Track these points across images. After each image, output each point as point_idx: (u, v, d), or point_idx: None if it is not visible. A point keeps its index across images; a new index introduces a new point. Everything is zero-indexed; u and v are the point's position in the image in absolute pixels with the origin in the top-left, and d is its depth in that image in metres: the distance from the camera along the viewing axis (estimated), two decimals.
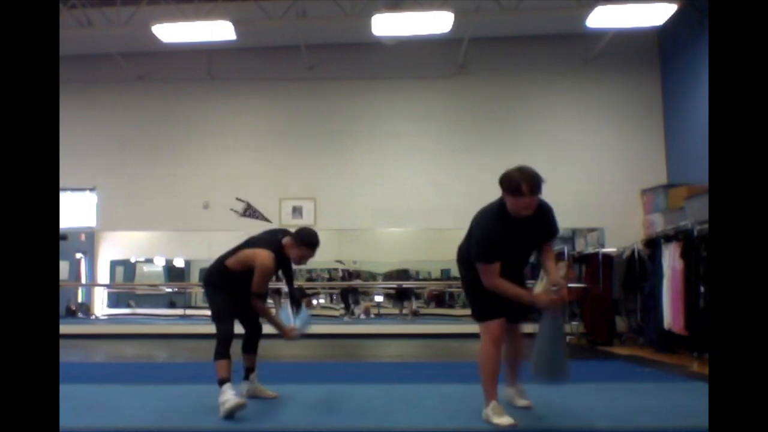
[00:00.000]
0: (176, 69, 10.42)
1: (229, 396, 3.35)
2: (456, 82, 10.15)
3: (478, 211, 3.31)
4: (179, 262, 15.16)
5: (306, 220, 10.00)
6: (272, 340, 3.70)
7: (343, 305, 12.92)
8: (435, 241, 12.82)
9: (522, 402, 3.48)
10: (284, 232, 3.88)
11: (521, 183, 3.00)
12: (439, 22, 7.91)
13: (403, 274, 12.56)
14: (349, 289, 12.87)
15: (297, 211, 9.94)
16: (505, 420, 3.10)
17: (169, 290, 15.20)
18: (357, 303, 12.78)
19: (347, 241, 13.01)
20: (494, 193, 3.48)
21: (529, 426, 3.15)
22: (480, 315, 3.30)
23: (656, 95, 10.01)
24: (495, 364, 3.24)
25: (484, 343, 3.26)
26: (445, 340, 8.75)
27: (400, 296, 12.68)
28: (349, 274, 13.18)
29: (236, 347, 3.67)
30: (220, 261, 3.79)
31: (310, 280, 15.04)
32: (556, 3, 8.45)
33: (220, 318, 3.57)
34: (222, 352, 3.48)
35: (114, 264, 14.91)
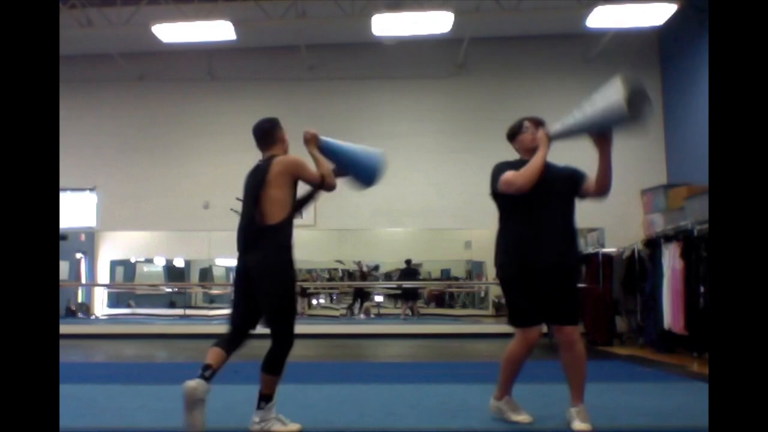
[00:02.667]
0: (176, 69, 10.42)
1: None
2: (456, 82, 10.16)
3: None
4: (179, 262, 15.16)
5: (306, 220, 9.99)
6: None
7: (351, 303, 12.92)
8: (435, 241, 12.82)
9: (581, 426, 3.07)
10: None
11: (522, 120, 3.29)
12: (439, 22, 7.91)
13: (411, 273, 12.52)
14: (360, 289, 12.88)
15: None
16: (523, 417, 3.18)
17: (169, 290, 15.20)
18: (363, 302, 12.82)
19: (347, 241, 13.02)
20: None
21: (530, 426, 3.15)
22: (516, 320, 3.14)
23: (656, 95, 9.99)
24: (518, 365, 3.19)
25: (514, 343, 3.14)
26: (445, 340, 8.74)
27: (406, 296, 12.65)
28: (361, 275, 13.14)
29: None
30: None
31: (310, 280, 15.06)
32: (556, 3, 8.46)
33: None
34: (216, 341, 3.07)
35: (114, 264, 14.92)
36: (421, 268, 13.13)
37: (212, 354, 2.98)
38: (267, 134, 3.36)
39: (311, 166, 3.27)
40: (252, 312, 3.08)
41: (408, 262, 12.46)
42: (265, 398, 3.08)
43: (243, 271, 3.08)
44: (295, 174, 3.17)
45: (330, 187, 3.25)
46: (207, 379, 2.91)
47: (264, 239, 3.03)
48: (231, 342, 3.07)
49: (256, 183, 3.12)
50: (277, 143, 3.35)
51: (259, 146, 3.38)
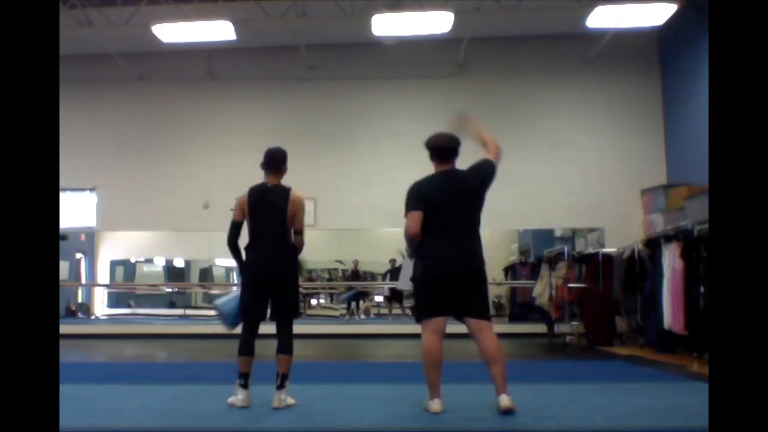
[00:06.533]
0: (176, 69, 10.41)
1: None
2: (456, 82, 10.15)
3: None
4: (179, 262, 15.18)
5: (306, 220, 9.96)
6: (272, 340, 3.70)
7: (348, 306, 12.90)
8: None
9: (504, 403, 3.27)
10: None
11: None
12: (439, 22, 7.90)
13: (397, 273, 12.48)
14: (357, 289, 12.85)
15: None
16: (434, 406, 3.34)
17: (169, 290, 15.21)
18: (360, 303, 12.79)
19: (347, 241, 13.00)
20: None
21: (530, 426, 3.15)
22: (417, 316, 3.52)
23: (656, 95, 10.01)
24: (433, 354, 3.37)
25: (422, 339, 3.42)
26: (444, 340, 8.72)
27: (391, 297, 12.64)
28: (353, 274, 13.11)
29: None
30: None
31: (309, 280, 15.05)
32: (556, 3, 8.45)
33: None
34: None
35: (114, 264, 14.93)
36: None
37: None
38: (281, 162, 3.84)
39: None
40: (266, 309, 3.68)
41: (393, 261, 12.41)
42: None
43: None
44: (298, 214, 3.76)
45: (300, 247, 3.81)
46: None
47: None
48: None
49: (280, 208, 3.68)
50: (283, 173, 3.86)
51: (269, 169, 3.82)
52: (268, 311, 3.68)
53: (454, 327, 3.55)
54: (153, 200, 10.27)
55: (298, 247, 3.75)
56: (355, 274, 12.85)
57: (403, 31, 8.21)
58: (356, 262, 12.92)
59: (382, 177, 10.07)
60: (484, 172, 3.52)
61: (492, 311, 14.82)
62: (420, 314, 3.50)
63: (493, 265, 12.33)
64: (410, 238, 3.53)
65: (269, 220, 3.66)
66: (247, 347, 3.58)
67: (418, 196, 3.50)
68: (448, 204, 3.43)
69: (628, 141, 9.97)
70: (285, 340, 3.60)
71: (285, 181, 3.90)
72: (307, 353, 7.09)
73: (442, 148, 3.55)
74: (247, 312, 3.64)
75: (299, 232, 3.74)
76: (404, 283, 3.79)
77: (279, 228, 3.66)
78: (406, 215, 3.55)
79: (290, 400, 3.55)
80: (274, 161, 3.80)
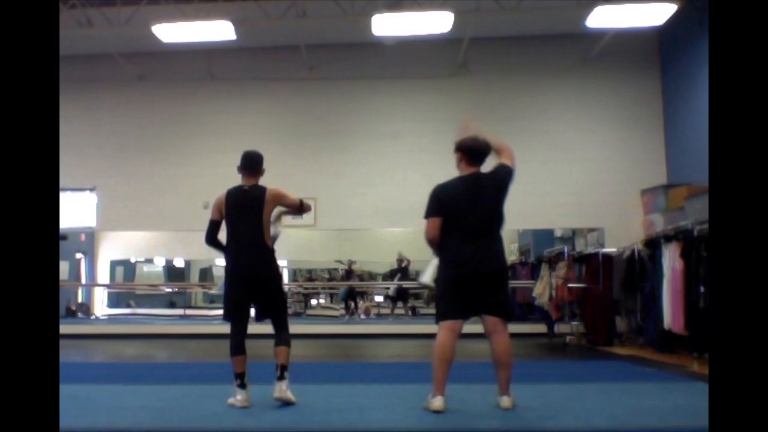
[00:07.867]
0: (176, 69, 10.42)
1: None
2: (456, 82, 10.15)
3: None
4: (179, 262, 15.17)
5: (306, 220, 9.96)
6: (265, 340, 3.71)
7: (346, 306, 12.88)
8: None
9: (504, 404, 3.42)
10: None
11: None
12: (439, 22, 7.91)
13: (402, 273, 12.45)
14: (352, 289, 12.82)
15: None
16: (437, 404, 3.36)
17: (169, 290, 15.21)
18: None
19: (347, 241, 12.98)
20: None
21: (530, 426, 3.15)
22: (439, 316, 3.55)
23: (656, 95, 10.01)
24: (445, 350, 3.38)
25: (438, 336, 3.43)
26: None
27: (397, 297, 12.60)
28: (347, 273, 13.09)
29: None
30: None
31: (310, 280, 15.05)
32: (556, 3, 8.46)
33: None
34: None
35: (114, 264, 14.92)
36: (410, 266, 12.95)
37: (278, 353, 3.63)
38: (259, 164, 3.84)
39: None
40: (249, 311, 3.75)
41: (400, 261, 12.37)
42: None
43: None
44: (283, 199, 3.82)
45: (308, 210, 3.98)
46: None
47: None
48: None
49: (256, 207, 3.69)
50: (260, 175, 3.86)
51: (247, 171, 3.82)
52: (252, 311, 3.75)
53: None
54: (153, 200, 10.27)
55: (306, 210, 3.91)
56: (349, 274, 12.81)
57: (403, 31, 8.22)
58: (350, 262, 12.88)
59: (382, 177, 10.08)
60: (502, 177, 3.61)
61: None
62: (441, 315, 3.53)
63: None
64: (429, 243, 3.60)
65: (247, 222, 3.71)
66: (238, 347, 3.64)
67: (439, 202, 3.57)
68: (470, 207, 3.49)
69: (628, 141, 9.96)
70: (282, 333, 3.69)
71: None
72: (307, 353, 7.09)
73: (477, 151, 3.62)
74: (232, 312, 3.69)
75: (299, 206, 3.86)
76: (425, 278, 3.86)
77: (257, 230, 3.69)
78: (426, 218, 3.59)
79: (290, 395, 3.57)
80: (253, 163, 3.82)
